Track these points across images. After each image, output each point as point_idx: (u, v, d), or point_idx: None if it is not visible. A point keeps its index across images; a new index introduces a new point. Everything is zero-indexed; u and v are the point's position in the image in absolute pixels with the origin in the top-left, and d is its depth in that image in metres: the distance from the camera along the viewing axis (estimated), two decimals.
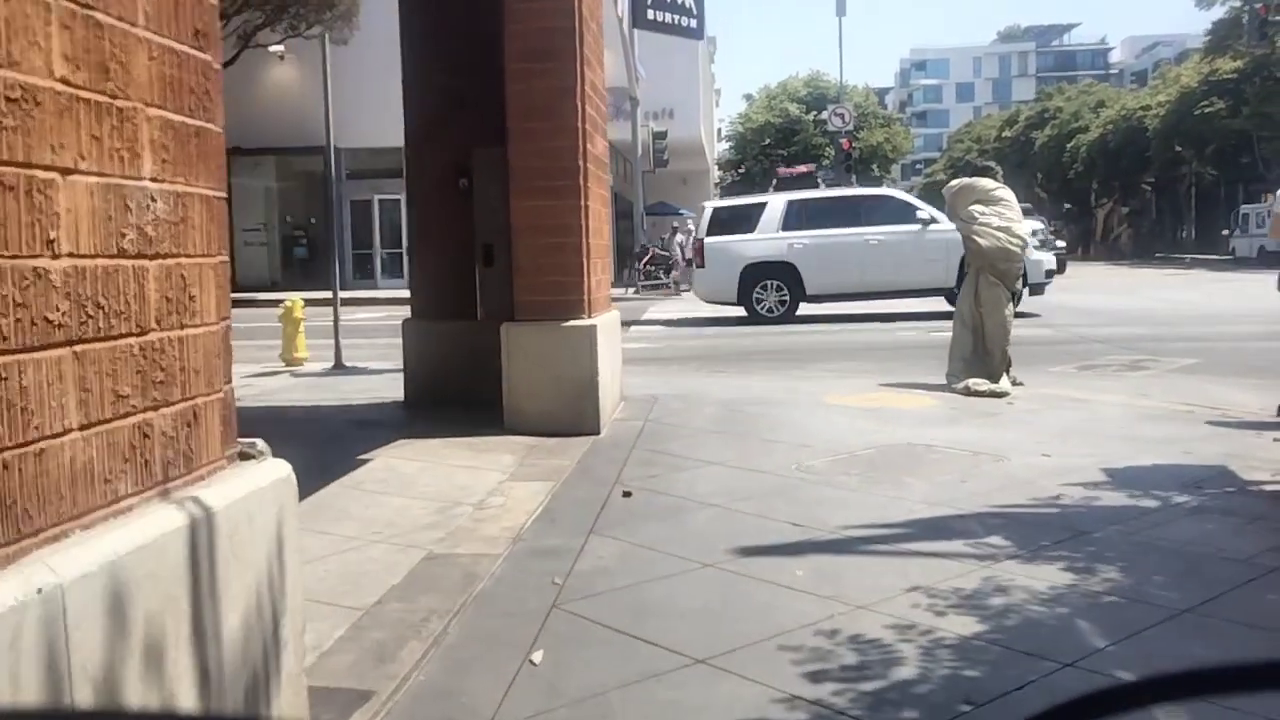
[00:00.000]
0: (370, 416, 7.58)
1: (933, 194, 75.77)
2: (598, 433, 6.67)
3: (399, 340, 8.14)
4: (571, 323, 6.63)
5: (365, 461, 5.93)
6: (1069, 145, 53.01)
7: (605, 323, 7.05)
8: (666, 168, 29.86)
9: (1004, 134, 62.53)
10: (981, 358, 8.76)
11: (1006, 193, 8.96)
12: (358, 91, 18.65)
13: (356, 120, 19.07)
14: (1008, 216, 8.74)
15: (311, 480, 5.39)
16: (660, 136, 28.49)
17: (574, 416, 6.65)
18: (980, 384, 8.42)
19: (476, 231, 6.96)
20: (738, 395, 8.45)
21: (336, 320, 11.69)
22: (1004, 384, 8.49)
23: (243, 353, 12.46)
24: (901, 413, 7.50)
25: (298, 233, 31.39)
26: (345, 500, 5.04)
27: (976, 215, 8.74)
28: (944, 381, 8.79)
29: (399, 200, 22.83)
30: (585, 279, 6.66)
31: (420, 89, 7.42)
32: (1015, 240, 8.64)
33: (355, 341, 12.29)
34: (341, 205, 30.46)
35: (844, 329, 15.71)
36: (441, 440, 6.53)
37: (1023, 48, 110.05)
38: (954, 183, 9.30)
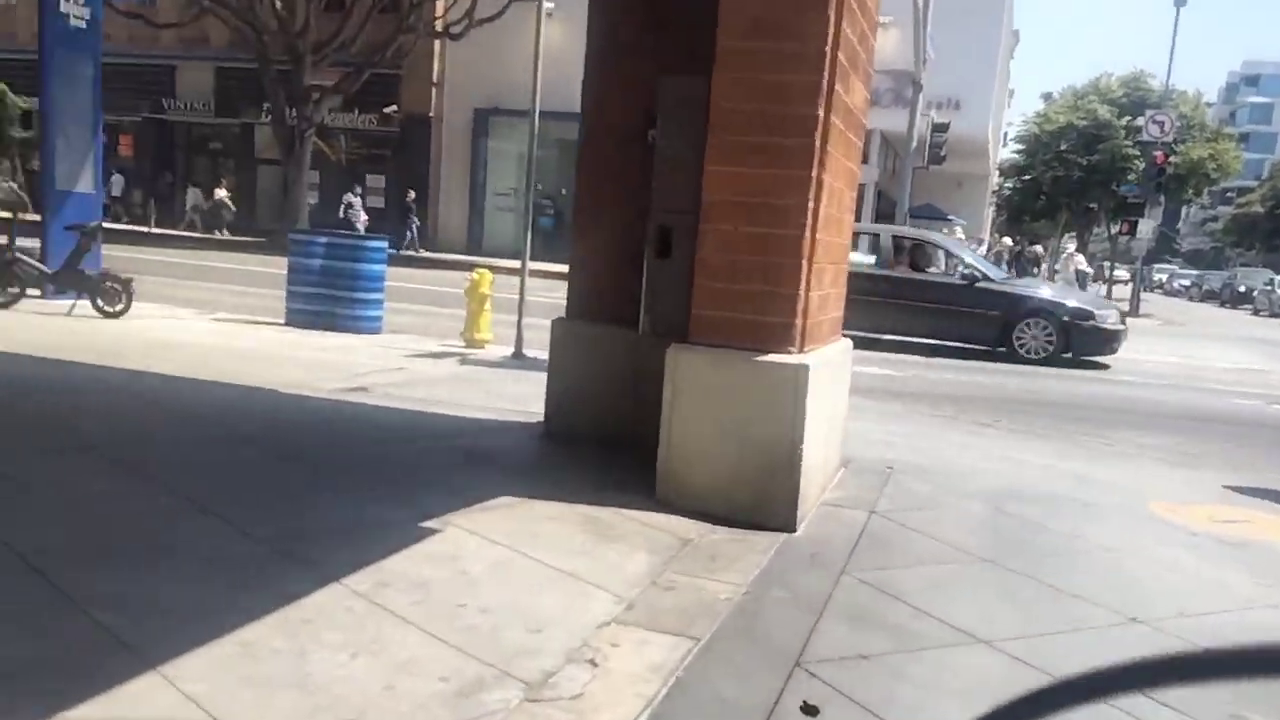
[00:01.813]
0: (490, 444, 5.57)
1: (1243, 227, 66.69)
2: (792, 529, 4.33)
3: None
4: (772, 358, 4.31)
5: (427, 534, 3.89)
6: None
7: (826, 361, 4.68)
8: (942, 165, 26.51)
9: None
10: None
11: None
12: None
13: None
14: None
15: (322, 563, 3.41)
16: (941, 129, 25.16)
17: (758, 499, 4.35)
18: None
19: (654, 205, 4.76)
20: (1011, 480, 5.85)
21: (521, 301, 9.87)
22: None
23: (434, 322, 11.00)
24: None
25: (545, 201, 30.57)
26: (330, 628, 2.98)
27: None
28: None
29: None
30: (803, 293, 4.31)
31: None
32: None
33: None
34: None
35: (1148, 381, 12.39)
36: (559, 506, 4.40)
37: None
38: None
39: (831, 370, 4.79)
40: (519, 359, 9.50)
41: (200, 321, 10.55)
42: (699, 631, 3.22)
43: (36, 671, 2.53)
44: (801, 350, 4.35)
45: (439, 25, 25.49)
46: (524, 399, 6.94)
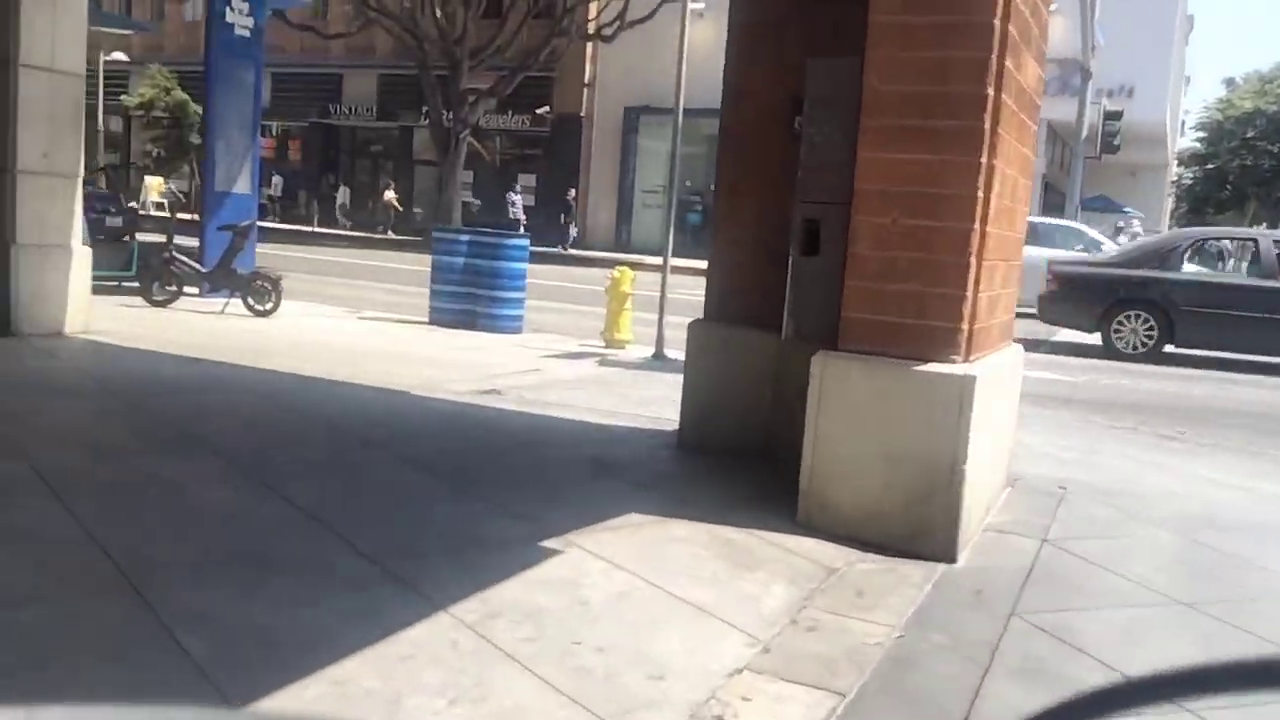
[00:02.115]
0: (621, 454, 5.25)
1: None
2: (952, 559, 3.85)
3: None
4: (933, 367, 3.83)
5: (546, 555, 3.59)
6: None
7: (994, 370, 4.16)
8: (1115, 155, 24.91)
9: None
10: None
11: None
12: None
13: None
14: None
15: (430, 587, 3.15)
16: (1114, 117, 23.66)
17: (913, 523, 3.88)
18: None
19: (799, 197, 4.33)
20: (1204, 504, 5.17)
21: (663, 300, 9.56)
22: None
23: (576, 321, 10.80)
24: None
25: (693, 198, 30.23)
26: (430, 666, 2.70)
27: None
28: None
29: None
30: (970, 295, 3.82)
31: None
32: None
33: None
34: None
35: None
36: (691, 526, 4.04)
37: None
38: None
39: (1000, 381, 4.27)
40: (659, 360, 9.20)
41: (346, 320, 10.66)
42: (844, 685, 2.81)
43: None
44: (967, 359, 3.85)
45: (591, 28, 25.53)
46: (660, 404, 6.61)
